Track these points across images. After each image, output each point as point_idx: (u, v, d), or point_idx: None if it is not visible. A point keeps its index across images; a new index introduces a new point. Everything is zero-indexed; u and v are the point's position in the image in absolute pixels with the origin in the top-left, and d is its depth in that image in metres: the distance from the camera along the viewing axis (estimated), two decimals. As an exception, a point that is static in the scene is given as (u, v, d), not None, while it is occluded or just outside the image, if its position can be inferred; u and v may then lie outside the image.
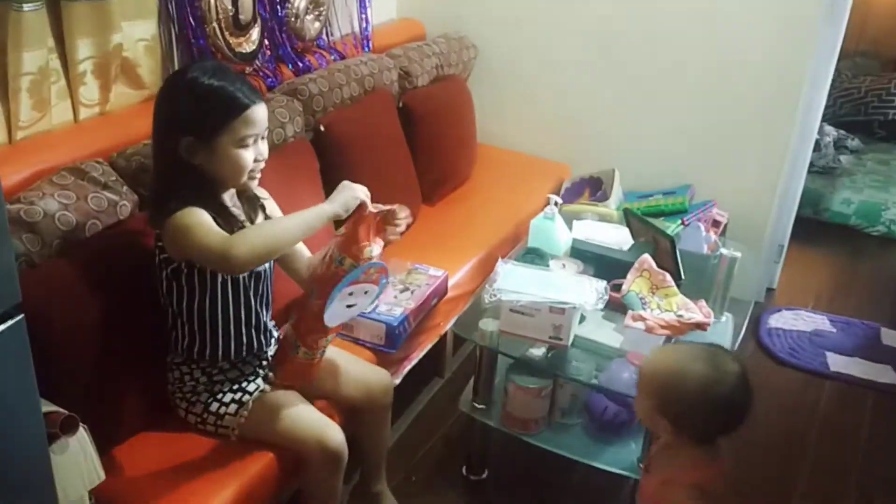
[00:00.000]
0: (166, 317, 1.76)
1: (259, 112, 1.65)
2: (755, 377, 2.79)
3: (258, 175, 1.73)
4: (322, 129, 2.47)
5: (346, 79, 2.64)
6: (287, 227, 1.63)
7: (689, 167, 3.18)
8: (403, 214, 1.74)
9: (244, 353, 1.80)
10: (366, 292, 1.71)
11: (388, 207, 1.71)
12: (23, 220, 1.62)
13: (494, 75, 3.43)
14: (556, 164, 3.36)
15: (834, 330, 3.18)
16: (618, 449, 2.09)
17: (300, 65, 2.67)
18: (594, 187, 3.15)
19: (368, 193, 1.70)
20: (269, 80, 2.52)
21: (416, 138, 2.88)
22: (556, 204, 2.42)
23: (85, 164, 1.82)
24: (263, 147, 1.70)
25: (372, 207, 1.68)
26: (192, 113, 1.62)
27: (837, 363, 2.96)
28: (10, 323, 1.14)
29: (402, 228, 1.75)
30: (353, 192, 1.66)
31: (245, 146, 1.65)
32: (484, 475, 2.31)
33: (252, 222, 1.76)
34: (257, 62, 2.49)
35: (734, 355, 1.48)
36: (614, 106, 3.26)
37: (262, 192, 1.86)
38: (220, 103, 1.61)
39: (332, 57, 2.82)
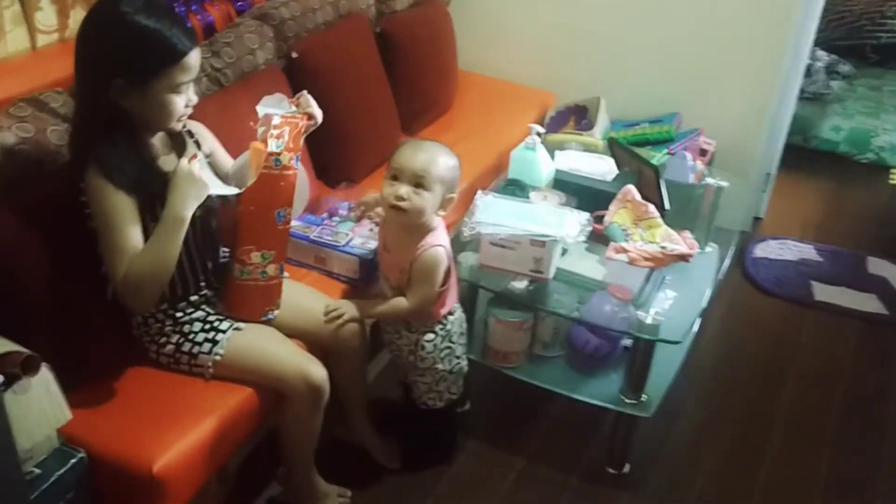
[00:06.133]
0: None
1: (194, 58, 1.59)
2: (740, 307, 2.81)
3: (185, 120, 1.67)
4: (295, 56, 2.37)
5: (319, 2, 2.52)
6: (162, 256, 1.55)
7: (677, 94, 3.11)
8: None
9: (202, 289, 1.76)
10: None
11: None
12: (-23, 155, 1.55)
13: (477, -1, 3.31)
14: (540, 91, 3.27)
15: (820, 259, 3.15)
16: (599, 381, 2.09)
17: (272, -12, 2.55)
18: (579, 116, 3.08)
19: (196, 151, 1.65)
20: (239, 3, 2.41)
21: (394, 66, 2.78)
22: (537, 134, 2.35)
23: (44, 95, 1.74)
24: (192, 93, 1.64)
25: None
26: (126, 55, 1.52)
27: (823, 292, 2.94)
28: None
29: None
30: (187, 183, 1.55)
31: (178, 92, 1.59)
32: (466, 407, 2.31)
33: (179, 157, 1.64)
34: (226, -15, 2.37)
35: None
36: (601, 31, 3.15)
37: (195, 127, 1.79)
38: (157, 48, 1.53)
39: (306, -21, 2.69)
